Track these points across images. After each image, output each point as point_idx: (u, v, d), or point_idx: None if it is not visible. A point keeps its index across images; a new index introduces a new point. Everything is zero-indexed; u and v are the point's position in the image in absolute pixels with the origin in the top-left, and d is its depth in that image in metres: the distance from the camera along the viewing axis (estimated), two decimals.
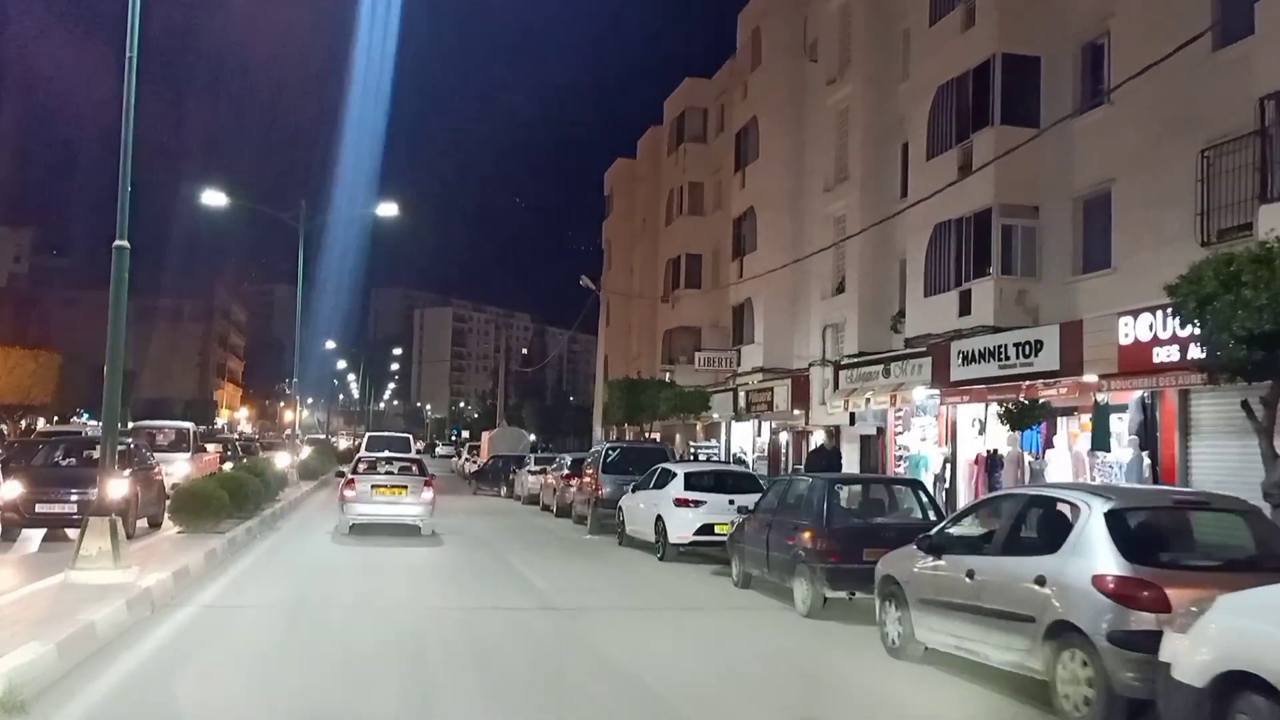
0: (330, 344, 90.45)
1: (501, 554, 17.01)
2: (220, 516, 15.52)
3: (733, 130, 37.12)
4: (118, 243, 10.99)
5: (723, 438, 37.81)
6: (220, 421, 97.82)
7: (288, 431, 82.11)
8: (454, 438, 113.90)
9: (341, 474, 21.76)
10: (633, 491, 18.29)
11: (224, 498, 15.64)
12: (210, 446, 27.10)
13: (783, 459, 31.31)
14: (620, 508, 18.80)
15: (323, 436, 58.59)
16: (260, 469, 21.55)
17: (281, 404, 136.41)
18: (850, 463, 25.61)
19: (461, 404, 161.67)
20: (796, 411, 29.47)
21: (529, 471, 28.79)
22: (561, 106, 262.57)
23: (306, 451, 42.00)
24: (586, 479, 21.19)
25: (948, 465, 21.36)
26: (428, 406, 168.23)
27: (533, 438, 48.40)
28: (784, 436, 31.93)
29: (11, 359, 41.39)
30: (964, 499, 19.57)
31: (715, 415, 36.67)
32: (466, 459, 47.81)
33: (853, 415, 25.94)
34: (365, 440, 33.21)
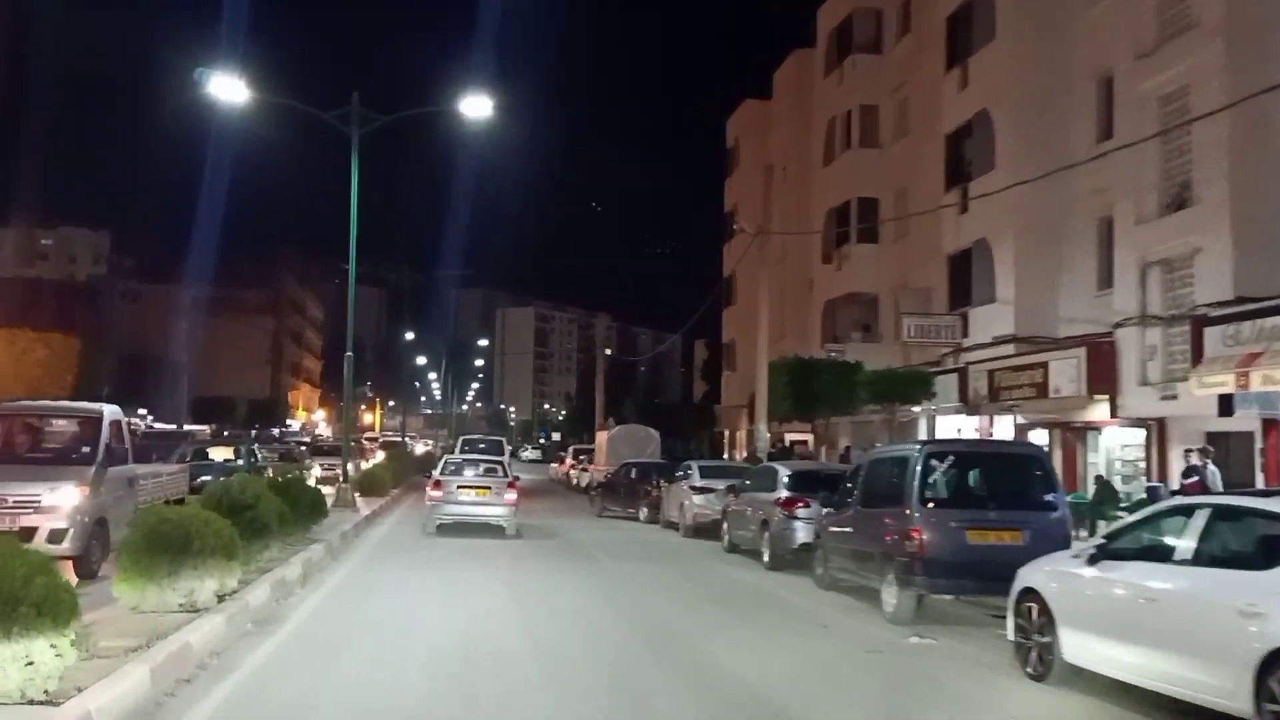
0: (409, 335, 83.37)
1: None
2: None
3: (936, 17, 27.26)
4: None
5: (923, 435, 27.89)
6: (294, 423, 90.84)
7: (368, 434, 74.77)
8: (541, 440, 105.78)
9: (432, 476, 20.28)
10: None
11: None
12: (217, 452, 18.15)
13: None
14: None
15: (399, 439, 49.56)
16: (287, 487, 12.52)
17: (362, 406, 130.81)
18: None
19: (546, 405, 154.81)
20: (1098, 396, 19.46)
21: (691, 487, 19.27)
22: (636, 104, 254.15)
23: (369, 460, 33.57)
24: (888, 521, 10.99)
25: None
26: (511, 409, 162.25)
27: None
28: (1041, 435, 21.84)
29: (18, 344, 33.50)
30: None
31: (916, 407, 26.81)
32: (577, 465, 38.43)
33: (1226, 400, 15.96)
34: (459, 442, 33.72)
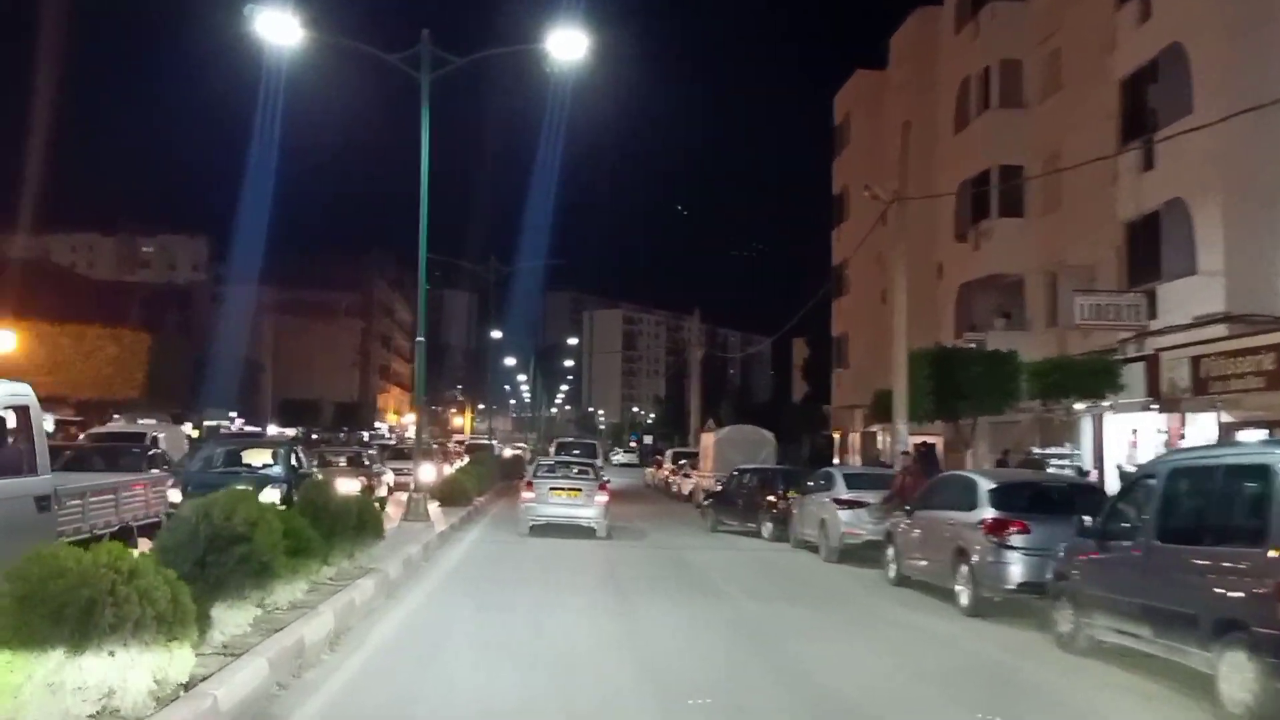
0: (496, 333, 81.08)
1: None
2: None
3: None
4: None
5: (1087, 439, 23.74)
6: (382, 426, 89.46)
7: (457, 436, 71.81)
8: (633, 443, 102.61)
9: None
10: None
11: None
12: (255, 455, 14.88)
13: None
14: None
15: (486, 441, 46.54)
16: (321, 505, 9.33)
17: (451, 410, 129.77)
18: None
19: (634, 408, 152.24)
20: None
21: (835, 500, 15.60)
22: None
23: (454, 463, 30.62)
24: (1227, 566, 6.71)
25: None
26: (600, 411, 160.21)
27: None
28: (1256, 437, 17.48)
29: (88, 341, 31.54)
30: None
31: (1080, 404, 22.66)
32: (677, 471, 34.88)
33: None
34: (554, 446, 34.77)
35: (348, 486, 13.43)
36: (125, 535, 9.65)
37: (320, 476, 14.57)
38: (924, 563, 12.30)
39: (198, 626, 5.26)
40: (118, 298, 58.17)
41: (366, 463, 23.00)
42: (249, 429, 56.05)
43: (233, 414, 65.70)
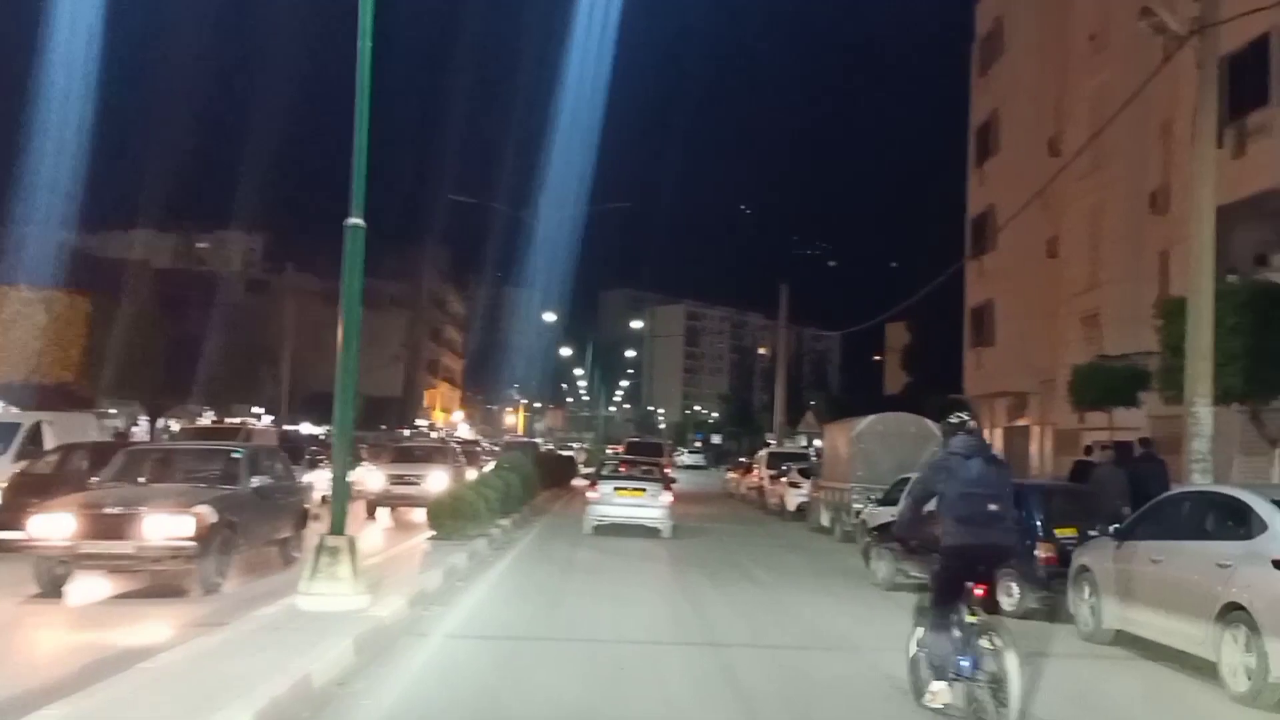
0: (565, 350, 73.53)
1: None
2: None
3: None
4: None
5: None
6: (425, 423, 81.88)
7: (507, 436, 63.23)
8: (698, 443, 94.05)
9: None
10: None
11: None
12: None
13: None
14: None
15: (531, 440, 37.46)
16: None
17: (508, 408, 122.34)
18: None
19: (696, 407, 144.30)
20: None
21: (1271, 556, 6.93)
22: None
23: (479, 467, 22.34)
24: None
25: None
26: (660, 410, 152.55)
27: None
28: None
29: (5, 306, 23.72)
30: None
31: None
32: (780, 480, 26.10)
33: None
34: (624, 445, 37.45)
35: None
36: None
37: None
38: (1156, 617, 8.20)
39: None
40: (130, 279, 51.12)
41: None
42: (259, 425, 49.12)
43: (258, 410, 58.57)
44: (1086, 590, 9.24)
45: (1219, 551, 7.78)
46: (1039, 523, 10.07)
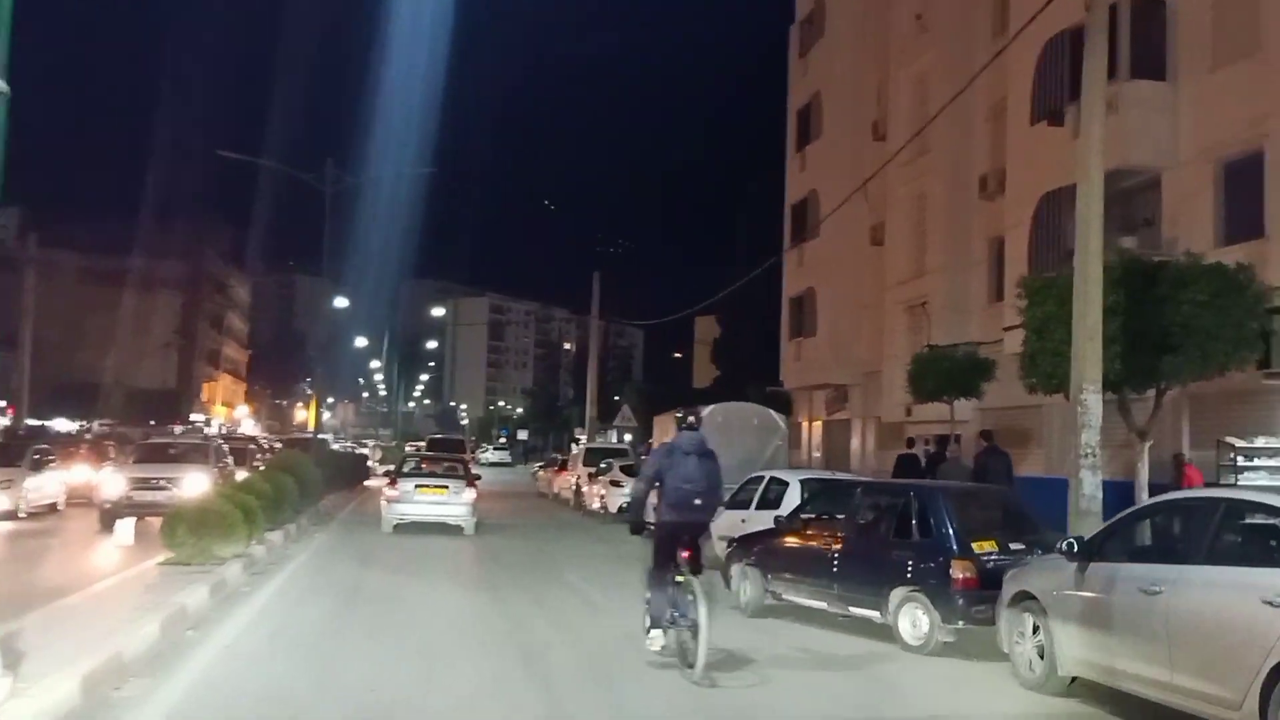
0: (361, 341, 68.67)
1: None
2: None
3: None
4: None
5: None
6: (201, 418, 74.76)
7: (298, 433, 58.46)
8: (503, 439, 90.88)
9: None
10: None
11: None
12: None
13: None
14: None
15: (320, 436, 33.22)
16: None
17: (300, 403, 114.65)
18: None
19: (500, 402, 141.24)
20: None
21: None
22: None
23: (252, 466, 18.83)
24: None
25: None
26: (463, 406, 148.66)
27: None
28: None
29: None
30: None
31: None
32: (595, 478, 23.82)
33: None
34: (424, 444, 36.61)
35: None
36: None
37: None
38: (1156, 670, 6.02)
39: None
40: None
41: None
42: None
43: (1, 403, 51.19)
44: (1029, 625, 7.18)
45: (1269, 584, 5.53)
46: (951, 534, 8.08)
